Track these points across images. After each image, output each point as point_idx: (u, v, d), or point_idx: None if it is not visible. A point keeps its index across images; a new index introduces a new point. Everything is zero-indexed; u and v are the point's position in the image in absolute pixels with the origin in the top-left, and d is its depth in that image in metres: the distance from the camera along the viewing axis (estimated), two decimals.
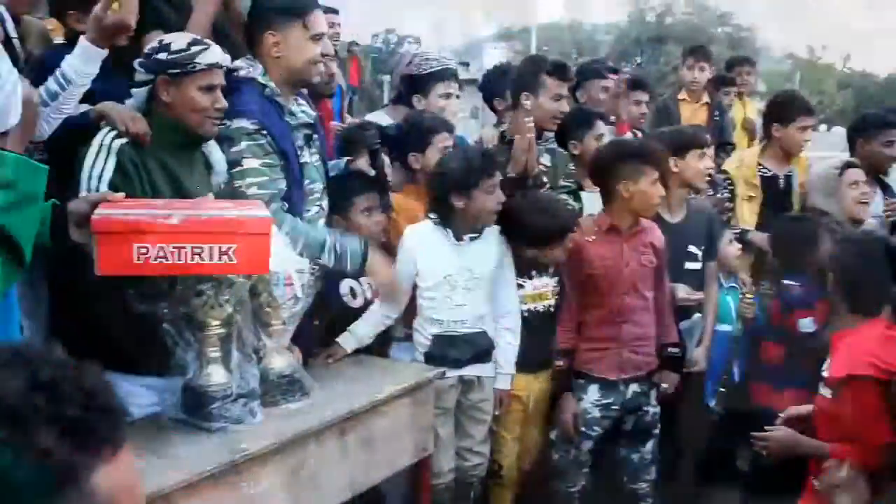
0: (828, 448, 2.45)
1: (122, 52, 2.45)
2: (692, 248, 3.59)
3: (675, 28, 32.23)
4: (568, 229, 3.18)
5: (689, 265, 3.59)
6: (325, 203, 2.92)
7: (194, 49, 2.34)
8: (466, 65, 20.26)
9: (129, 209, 1.96)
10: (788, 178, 4.33)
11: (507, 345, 3.19)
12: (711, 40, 27.25)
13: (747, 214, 4.23)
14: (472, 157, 3.11)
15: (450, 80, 3.69)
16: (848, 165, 3.97)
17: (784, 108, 4.33)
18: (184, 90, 2.36)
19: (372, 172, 3.05)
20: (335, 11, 4.96)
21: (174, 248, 1.93)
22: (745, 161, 4.41)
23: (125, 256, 1.90)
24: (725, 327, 3.78)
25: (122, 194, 2.02)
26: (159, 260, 1.93)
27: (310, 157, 2.84)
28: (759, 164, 4.33)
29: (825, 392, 2.53)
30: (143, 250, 1.91)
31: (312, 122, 2.91)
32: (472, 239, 3.11)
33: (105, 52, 2.36)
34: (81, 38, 2.34)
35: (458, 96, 3.75)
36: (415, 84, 3.78)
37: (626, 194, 3.18)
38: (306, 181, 2.80)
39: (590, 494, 3.40)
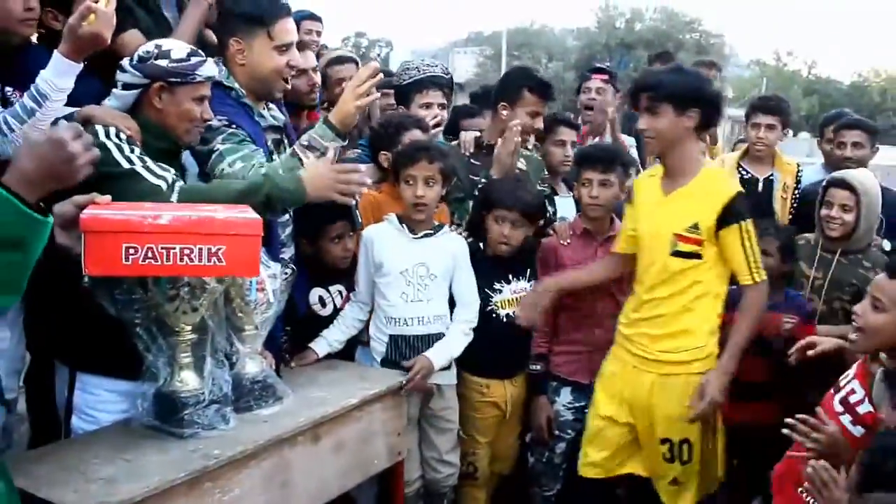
0: None
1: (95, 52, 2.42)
2: None
3: (643, 34, 32.49)
4: (541, 205, 3.36)
5: None
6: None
7: (194, 60, 2.35)
8: None
9: (118, 209, 1.94)
10: (769, 181, 4.38)
11: (458, 331, 3.14)
12: (680, 46, 27.60)
13: None
14: (400, 149, 3.18)
15: (429, 90, 3.64)
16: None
17: (747, 109, 4.50)
18: (178, 99, 2.35)
19: None
20: (318, 19, 4.84)
21: (163, 248, 1.91)
22: (727, 163, 4.46)
23: (114, 257, 1.87)
24: None
25: (108, 196, 1.98)
26: (148, 261, 1.91)
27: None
28: (740, 166, 4.40)
29: (852, 427, 2.36)
30: (132, 251, 1.89)
31: (282, 125, 2.91)
32: (427, 235, 3.13)
33: (80, 66, 2.33)
34: (56, 51, 2.30)
35: (442, 105, 3.67)
36: (399, 95, 3.78)
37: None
38: None
39: (565, 498, 3.41)
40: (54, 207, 1.88)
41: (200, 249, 1.94)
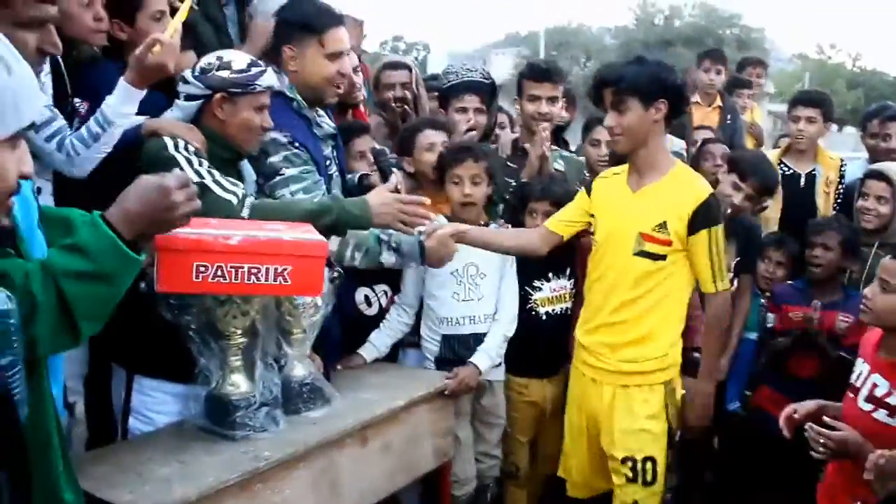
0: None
1: None
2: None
3: (682, 30, 32.15)
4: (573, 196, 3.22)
5: None
6: None
7: (255, 70, 2.40)
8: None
9: (190, 227, 1.96)
10: (811, 176, 4.32)
11: (499, 337, 3.14)
12: (720, 42, 27.20)
13: (771, 213, 4.21)
14: (446, 149, 3.21)
15: (464, 94, 3.65)
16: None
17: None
18: (240, 109, 2.41)
19: None
20: (360, 22, 4.89)
21: (232, 267, 1.96)
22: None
23: (184, 274, 1.93)
24: (752, 335, 3.77)
25: None
26: (217, 279, 1.96)
27: (333, 169, 2.91)
28: (781, 163, 4.34)
29: (890, 420, 2.36)
30: (203, 269, 1.94)
31: (335, 132, 2.96)
32: None
33: (143, 93, 2.40)
34: (121, 79, 2.36)
35: (479, 109, 3.65)
36: (440, 99, 3.81)
37: None
38: (332, 192, 2.84)
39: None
40: None
41: (267, 269, 1.99)
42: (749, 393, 3.69)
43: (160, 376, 2.42)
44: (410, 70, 3.98)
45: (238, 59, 2.43)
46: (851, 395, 2.51)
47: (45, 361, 1.63)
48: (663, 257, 2.79)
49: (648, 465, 2.85)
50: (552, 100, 3.57)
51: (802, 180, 4.32)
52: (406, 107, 3.81)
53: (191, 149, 2.32)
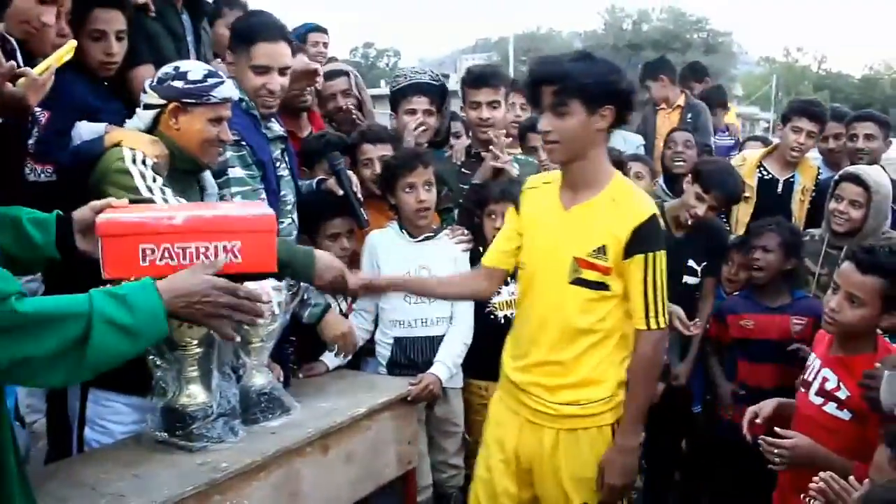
0: (852, 466, 2.14)
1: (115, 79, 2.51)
2: (691, 263, 3.62)
3: (650, 35, 32.49)
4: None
5: (687, 279, 3.63)
6: (295, 216, 3.00)
7: (210, 81, 2.38)
8: (446, 76, 20.35)
9: (132, 212, 1.96)
10: (789, 183, 4.35)
11: (459, 342, 3.14)
12: (688, 46, 27.53)
13: (741, 215, 4.25)
14: (393, 158, 3.22)
15: (412, 96, 3.66)
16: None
17: (787, 110, 4.47)
18: (194, 120, 2.39)
19: (340, 192, 3.06)
20: (323, 31, 4.89)
21: (179, 248, 1.91)
22: (747, 161, 4.44)
23: (131, 259, 1.89)
24: None
25: (124, 200, 2.02)
26: (165, 261, 1.91)
27: (284, 171, 2.92)
28: (761, 166, 4.37)
29: (839, 413, 2.42)
30: (150, 251, 1.89)
31: (284, 135, 2.97)
32: (426, 238, 3.18)
33: None
34: None
35: (428, 111, 3.65)
36: (391, 102, 3.82)
37: None
38: (282, 192, 2.88)
39: None
40: (73, 214, 1.95)
41: (216, 247, 1.93)
42: (709, 397, 3.72)
43: (115, 389, 2.39)
44: (349, 75, 4.01)
45: (195, 69, 2.41)
46: (803, 390, 2.58)
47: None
48: (605, 286, 2.41)
49: None
50: (492, 104, 3.58)
51: (780, 186, 4.35)
52: (353, 114, 3.83)
53: (148, 163, 2.29)
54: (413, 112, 3.64)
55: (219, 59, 3.40)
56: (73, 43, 2.26)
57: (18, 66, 2.04)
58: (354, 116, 3.86)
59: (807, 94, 33.88)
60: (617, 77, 2.38)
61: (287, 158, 2.99)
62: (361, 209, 3.06)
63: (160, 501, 1.96)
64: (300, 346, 3.03)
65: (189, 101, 2.37)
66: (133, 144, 2.32)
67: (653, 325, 2.40)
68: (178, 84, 2.36)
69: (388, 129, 3.63)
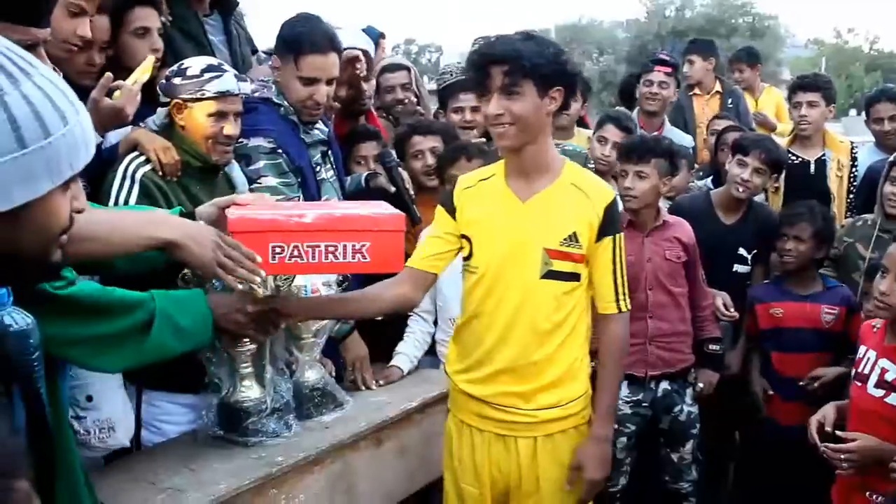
0: None
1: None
2: (742, 251, 3.56)
3: (694, 21, 31.93)
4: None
5: (738, 268, 3.58)
6: None
7: (206, 76, 2.37)
8: None
9: (262, 210, 2.00)
10: (821, 162, 4.26)
11: (421, 331, 3.08)
12: (733, 31, 27.01)
13: (773, 206, 4.17)
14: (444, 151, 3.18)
15: (459, 94, 3.63)
16: None
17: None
18: (194, 116, 2.38)
19: (392, 189, 3.04)
20: (382, 36, 4.81)
21: (308, 246, 1.94)
22: None
23: (261, 256, 1.92)
24: None
25: (249, 196, 2.08)
26: (294, 259, 1.94)
27: (326, 174, 2.90)
28: (788, 152, 4.26)
29: (890, 398, 2.37)
30: (279, 249, 1.92)
31: (327, 138, 2.95)
32: None
33: (99, 139, 2.31)
34: None
35: (476, 108, 3.54)
36: (440, 100, 3.80)
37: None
38: (324, 197, 2.86)
39: (632, 494, 3.36)
40: (197, 210, 2.08)
41: (345, 246, 1.96)
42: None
43: (168, 389, 2.42)
44: (409, 70, 3.98)
45: (195, 64, 2.40)
46: (859, 384, 2.50)
47: (62, 369, 1.69)
48: (577, 276, 2.30)
49: None
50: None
51: (812, 167, 4.25)
52: (415, 108, 3.82)
53: (137, 176, 2.31)
54: (461, 110, 3.62)
55: (259, 53, 3.41)
56: (152, 57, 2.42)
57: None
58: (416, 110, 3.83)
59: (857, 76, 33.10)
60: (566, 58, 2.27)
61: (331, 160, 2.98)
62: (414, 206, 3.05)
63: (217, 496, 1.98)
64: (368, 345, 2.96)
65: (187, 96, 2.37)
66: (149, 148, 2.35)
67: (623, 308, 2.35)
68: (178, 81, 2.37)
69: (439, 122, 3.60)
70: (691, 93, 5.93)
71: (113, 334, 1.73)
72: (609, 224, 2.29)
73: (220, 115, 2.39)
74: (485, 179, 2.38)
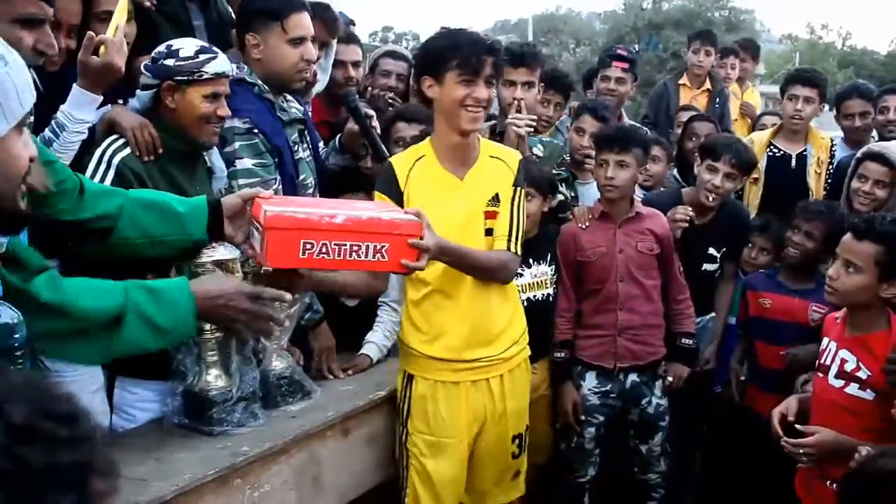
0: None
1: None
2: (711, 251, 3.58)
3: (671, 14, 32.08)
4: (549, 179, 3.27)
5: (706, 266, 3.59)
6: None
7: (202, 57, 2.35)
8: None
9: (298, 206, 2.11)
10: (802, 156, 4.27)
11: (391, 320, 3.04)
12: (709, 24, 27.13)
13: (751, 198, 4.19)
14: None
15: None
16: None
17: (782, 83, 4.39)
18: (188, 97, 2.36)
19: (356, 128, 3.08)
20: (352, 22, 4.75)
21: (336, 245, 2.05)
22: (756, 142, 4.33)
23: (292, 251, 2.03)
24: (732, 319, 3.73)
25: (270, 191, 2.21)
26: (321, 255, 2.05)
27: (303, 153, 2.89)
28: (771, 145, 4.29)
29: (862, 393, 2.40)
30: (309, 246, 2.03)
31: (304, 117, 2.94)
32: None
33: (99, 98, 2.33)
34: (74, 85, 2.30)
35: None
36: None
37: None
38: (301, 175, 2.86)
39: (601, 485, 3.38)
40: (223, 201, 2.18)
41: (367, 247, 2.09)
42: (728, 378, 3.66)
43: (139, 376, 2.39)
44: (409, 64, 3.95)
45: (187, 46, 2.38)
46: (821, 375, 2.54)
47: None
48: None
49: (526, 433, 2.77)
50: (527, 84, 3.50)
51: (793, 161, 4.27)
52: (394, 101, 3.80)
53: (114, 162, 2.30)
54: None
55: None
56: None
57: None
58: (391, 102, 3.81)
59: (831, 72, 33.42)
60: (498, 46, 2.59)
61: (308, 140, 2.96)
62: (380, 143, 3.07)
63: (182, 486, 1.96)
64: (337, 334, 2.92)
65: (181, 78, 2.35)
66: (127, 127, 2.33)
67: (512, 248, 2.58)
68: (170, 62, 2.34)
69: (425, 110, 3.57)
70: (680, 82, 5.88)
71: (74, 331, 1.71)
72: (519, 177, 2.62)
73: (214, 97, 2.39)
74: (420, 159, 2.61)
